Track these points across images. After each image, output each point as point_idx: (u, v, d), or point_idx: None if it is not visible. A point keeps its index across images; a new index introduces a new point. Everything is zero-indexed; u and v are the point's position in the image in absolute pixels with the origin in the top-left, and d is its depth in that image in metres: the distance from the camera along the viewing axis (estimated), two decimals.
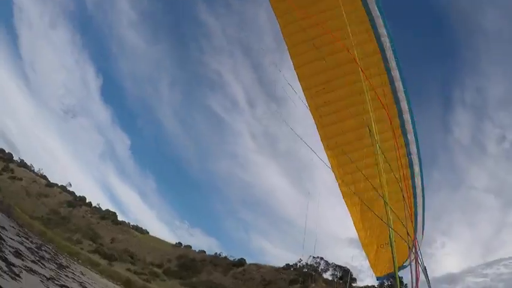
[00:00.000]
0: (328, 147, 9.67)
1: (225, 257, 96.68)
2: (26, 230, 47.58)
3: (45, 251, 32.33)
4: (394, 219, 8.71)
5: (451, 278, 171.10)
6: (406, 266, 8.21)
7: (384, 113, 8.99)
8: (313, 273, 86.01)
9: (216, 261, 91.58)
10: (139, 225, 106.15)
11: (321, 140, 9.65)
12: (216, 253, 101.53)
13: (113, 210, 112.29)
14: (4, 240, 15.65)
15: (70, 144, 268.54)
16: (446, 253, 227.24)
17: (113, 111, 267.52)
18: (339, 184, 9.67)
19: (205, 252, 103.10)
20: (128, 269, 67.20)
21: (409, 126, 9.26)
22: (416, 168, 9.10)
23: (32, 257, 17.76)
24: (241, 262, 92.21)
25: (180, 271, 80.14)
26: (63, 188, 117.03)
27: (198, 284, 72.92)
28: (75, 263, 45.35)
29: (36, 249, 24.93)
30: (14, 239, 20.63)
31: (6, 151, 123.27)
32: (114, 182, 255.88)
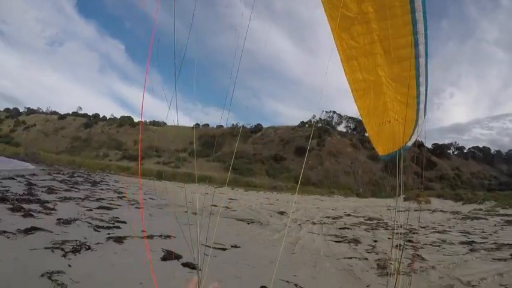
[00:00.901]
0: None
1: (243, 126, 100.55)
2: (56, 166, 51.10)
3: (78, 176, 35.43)
4: (394, 99, 8.21)
5: (459, 128, 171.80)
6: (408, 147, 8.16)
7: None
8: (328, 127, 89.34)
9: (235, 132, 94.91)
10: (156, 120, 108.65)
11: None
12: (233, 124, 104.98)
13: (128, 115, 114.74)
14: (35, 185, 17.84)
15: (67, 72, 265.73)
16: (454, 103, 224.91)
17: (97, 23, 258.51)
18: (341, 60, 8.65)
19: (222, 126, 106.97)
20: (157, 162, 71.10)
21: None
22: (422, 49, 7.34)
23: (65, 187, 19.79)
24: (258, 128, 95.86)
25: (203, 150, 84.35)
26: (76, 114, 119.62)
27: (223, 157, 77.30)
28: (108, 175, 49.27)
29: (68, 179, 27.77)
30: (45, 179, 23.04)
31: (11, 108, 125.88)
32: (121, 89, 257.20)
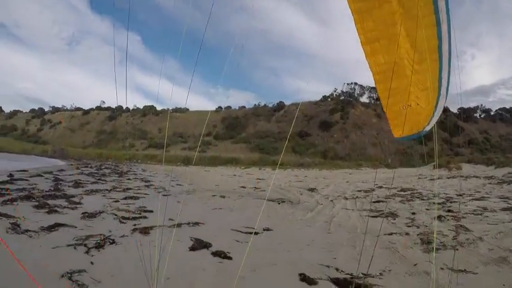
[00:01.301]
0: None
1: (265, 105, 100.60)
2: (85, 160, 51.69)
3: (106, 168, 35.75)
4: (417, 82, 8.37)
5: (483, 90, 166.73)
6: (427, 132, 8.08)
7: None
8: (351, 99, 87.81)
9: (258, 112, 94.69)
10: (179, 107, 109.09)
11: None
12: (255, 104, 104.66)
13: (150, 104, 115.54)
14: (62, 180, 17.68)
15: (87, 68, 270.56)
16: (476, 65, 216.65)
17: (111, 18, 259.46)
18: (361, 42, 8.40)
19: (245, 107, 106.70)
20: (183, 148, 71.34)
21: None
22: (444, 28, 7.68)
23: (92, 180, 19.92)
24: (280, 106, 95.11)
25: (228, 132, 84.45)
26: (99, 108, 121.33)
27: (248, 138, 77.19)
28: (135, 164, 49.65)
29: (96, 172, 27.97)
30: (72, 174, 23.15)
31: (37, 108, 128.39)
32: (141, 79, 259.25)
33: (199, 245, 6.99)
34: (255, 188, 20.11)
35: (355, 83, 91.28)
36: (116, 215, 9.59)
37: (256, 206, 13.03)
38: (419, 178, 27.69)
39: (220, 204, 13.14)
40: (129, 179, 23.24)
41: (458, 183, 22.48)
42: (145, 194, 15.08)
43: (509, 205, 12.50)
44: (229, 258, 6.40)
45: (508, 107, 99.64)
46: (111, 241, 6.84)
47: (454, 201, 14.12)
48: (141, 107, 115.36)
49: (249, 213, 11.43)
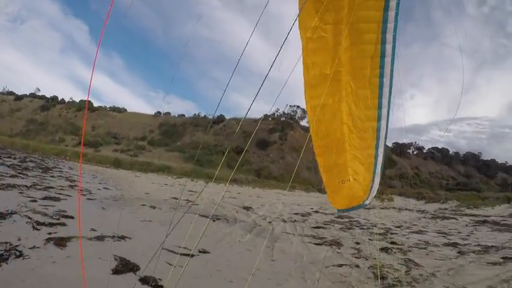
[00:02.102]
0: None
1: (205, 116, 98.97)
2: (9, 150, 47.85)
3: (30, 161, 33.04)
4: (354, 157, 8.56)
5: (418, 129, 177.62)
6: (366, 205, 8.18)
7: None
8: (291, 121, 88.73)
9: (196, 122, 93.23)
10: (117, 106, 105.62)
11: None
12: (195, 114, 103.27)
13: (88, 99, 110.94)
14: None
15: (27, 51, 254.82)
16: (414, 104, 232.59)
17: (62, 1, 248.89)
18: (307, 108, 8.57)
19: (184, 115, 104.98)
20: (115, 150, 68.85)
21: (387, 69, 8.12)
22: (384, 111, 8.29)
23: (12, 172, 18.02)
24: (220, 119, 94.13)
25: (163, 139, 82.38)
26: (33, 96, 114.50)
27: (184, 147, 75.60)
28: (63, 161, 46.64)
29: (18, 164, 25.56)
30: None
31: None
32: (82, 71, 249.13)
33: (125, 266, 5.95)
34: (188, 200, 19.00)
35: (298, 106, 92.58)
36: (30, 218, 8.23)
37: (189, 221, 12.02)
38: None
39: (150, 216, 11.93)
40: (53, 176, 21.23)
41: (392, 214, 22.71)
42: (68, 195, 13.55)
43: (449, 240, 12.54)
44: (160, 287, 5.44)
45: (440, 147, 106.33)
46: (17, 253, 5.62)
47: (394, 233, 14.02)
48: (78, 101, 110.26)
49: (182, 230, 10.44)
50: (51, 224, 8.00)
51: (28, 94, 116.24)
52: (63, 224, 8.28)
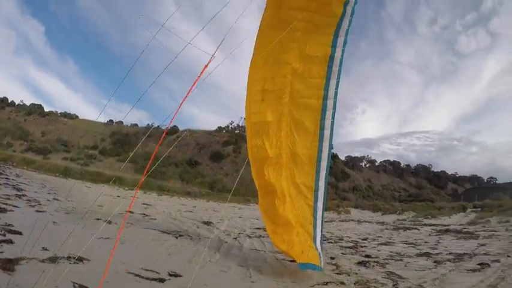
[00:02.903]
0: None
1: (158, 127, 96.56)
2: None
3: None
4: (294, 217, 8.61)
5: (368, 143, 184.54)
6: (320, 268, 7.92)
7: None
8: (245, 134, 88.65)
9: (150, 133, 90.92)
10: (68, 112, 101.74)
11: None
12: (148, 124, 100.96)
13: (38, 103, 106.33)
14: None
15: None
16: (365, 119, 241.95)
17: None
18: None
19: (137, 125, 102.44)
20: (64, 158, 66.02)
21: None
22: (322, 174, 8.70)
23: None
24: (174, 130, 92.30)
25: (115, 148, 79.82)
26: None
27: (135, 157, 73.35)
28: (10, 167, 43.83)
29: None
30: None
31: None
32: (34, 74, 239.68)
33: None
34: (144, 214, 17.80)
35: None
36: None
37: (150, 238, 10.94)
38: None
39: (107, 233, 10.70)
40: None
41: (353, 226, 22.45)
42: (15, 206, 12.16)
43: (420, 250, 12.15)
44: None
45: (391, 159, 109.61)
46: None
47: (364, 246, 13.52)
48: (28, 104, 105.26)
49: (144, 248, 9.38)
50: None
51: None
52: (10, 242, 7.10)
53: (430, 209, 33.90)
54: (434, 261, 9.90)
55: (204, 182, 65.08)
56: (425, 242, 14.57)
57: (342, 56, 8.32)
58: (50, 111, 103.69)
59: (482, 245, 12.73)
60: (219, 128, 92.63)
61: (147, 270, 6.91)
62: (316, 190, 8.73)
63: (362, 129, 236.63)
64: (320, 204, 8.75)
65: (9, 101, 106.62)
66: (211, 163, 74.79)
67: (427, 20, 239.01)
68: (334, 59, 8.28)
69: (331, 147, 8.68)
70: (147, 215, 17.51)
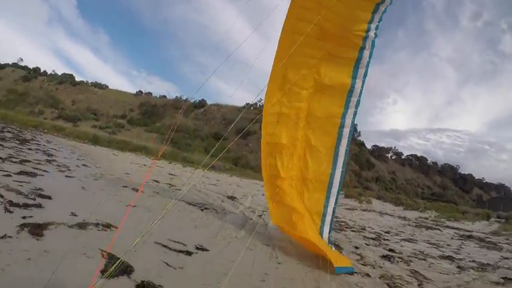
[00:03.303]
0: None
1: (186, 100, 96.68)
2: None
3: (8, 131, 31.19)
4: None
5: (396, 134, 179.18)
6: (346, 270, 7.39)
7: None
8: None
9: (177, 105, 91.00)
10: (98, 82, 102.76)
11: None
12: (176, 97, 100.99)
13: (70, 73, 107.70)
14: None
15: (12, 20, 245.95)
16: (396, 110, 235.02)
17: None
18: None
19: (165, 97, 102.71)
20: (93, 126, 66.91)
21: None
22: (332, 200, 8.69)
23: None
24: (202, 103, 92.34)
25: (143, 119, 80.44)
26: (16, 65, 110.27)
27: (162, 128, 73.73)
28: (41, 134, 44.61)
29: None
30: None
31: None
32: (66, 45, 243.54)
33: (116, 267, 4.79)
34: (170, 184, 17.79)
35: None
36: (2, 196, 6.93)
37: (177, 209, 10.81)
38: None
39: (135, 201, 10.71)
40: (30, 149, 19.65)
41: (375, 217, 22.02)
42: (45, 171, 12.20)
43: (443, 253, 11.65)
44: None
45: (417, 154, 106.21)
46: None
47: (387, 239, 13.12)
48: (59, 74, 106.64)
49: (171, 219, 9.27)
50: (26, 206, 6.73)
51: (11, 64, 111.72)
52: (40, 206, 7.03)
53: (453, 211, 32.88)
54: (458, 267, 9.49)
55: (229, 157, 65.10)
56: (448, 245, 13.99)
57: (362, 87, 8.23)
58: (80, 81, 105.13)
59: (506, 258, 12.03)
60: (247, 104, 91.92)
61: (174, 241, 6.79)
62: (324, 215, 8.70)
63: (391, 119, 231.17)
64: (326, 229, 8.69)
65: (42, 71, 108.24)
66: (237, 139, 74.28)
67: (470, 13, 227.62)
68: (354, 90, 8.20)
69: (344, 173, 8.59)
70: (172, 185, 17.47)
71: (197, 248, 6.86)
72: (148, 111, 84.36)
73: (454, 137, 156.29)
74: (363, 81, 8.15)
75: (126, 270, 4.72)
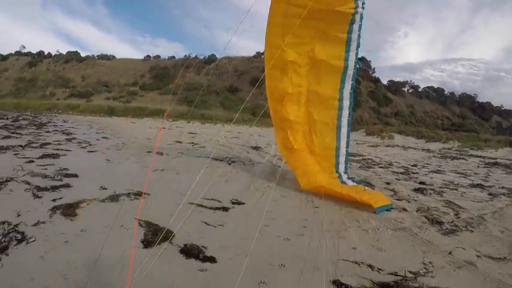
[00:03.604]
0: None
1: (196, 57, 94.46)
2: (1, 111, 45.71)
3: (24, 119, 31.33)
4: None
5: (411, 68, 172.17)
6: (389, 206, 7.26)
7: None
8: None
9: (188, 63, 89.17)
10: (104, 53, 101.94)
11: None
12: (185, 55, 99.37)
13: (74, 50, 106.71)
14: None
15: (7, 10, 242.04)
16: (408, 43, 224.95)
17: None
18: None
19: (174, 57, 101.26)
20: (107, 98, 66.84)
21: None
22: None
23: (5, 133, 16.48)
24: (212, 58, 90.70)
25: (155, 82, 79.71)
26: (19, 53, 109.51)
27: (175, 89, 73.15)
28: (56, 115, 44.84)
29: (11, 124, 23.91)
30: None
31: None
32: (65, 23, 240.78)
33: (155, 234, 4.65)
34: (193, 143, 17.70)
35: None
36: (28, 183, 6.82)
37: (204, 166, 10.69)
38: (357, 143, 26.68)
39: (161, 164, 10.54)
40: (48, 131, 19.69)
41: (400, 152, 21.71)
42: (67, 150, 12.13)
43: (472, 181, 11.37)
44: (212, 259, 4.19)
45: (435, 86, 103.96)
46: (19, 236, 4.27)
47: (415, 172, 12.89)
48: (64, 53, 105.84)
49: (201, 177, 9.14)
50: (53, 188, 6.62)
51: (13, 53, 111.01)
52: (68, 186, 6.92)
53: (475, 140, 31.93)
54: (489, 194, 9.21)
55: (246, 108, 64.57)
56: (475, 174, 13.62)
57: (356, 59, 8.21)
58: (86, 55, 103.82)
59: None
60: (258, 53, 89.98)
61: (208, 199, 6.64)
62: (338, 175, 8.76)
63: (404, 53, 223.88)
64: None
65: (46, 54, 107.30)
66: (252, 89, 73.12)
67: None
68: (349, 65, 8.17)
69: (348, 142, 8.73)
70: (195, 144, 17.38)
71: (233, 203, 6.74)
72: (159, 74, 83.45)
73: (470, 66, 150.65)
74: (356, 54, 8.07)
75: (167, 236, 4.57)
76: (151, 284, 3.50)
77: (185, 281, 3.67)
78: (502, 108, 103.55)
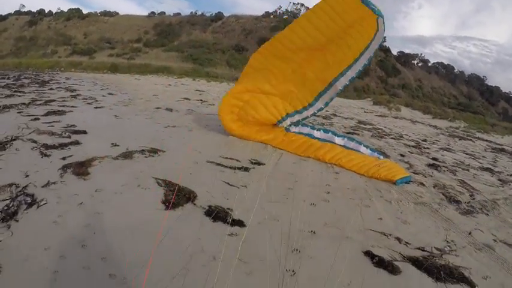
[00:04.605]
0: None
1: (202, 14, 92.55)
2: (1, 71, 45.10)
3: (25, 78, 30.79)
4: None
5: (422, 41, 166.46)
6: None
7: None
8: (294, 20, 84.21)
9: (193, 20, 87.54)
10: (107, 10, 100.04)
11: None
12: (191, 12, 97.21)
13: (76, 7, 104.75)
14: None
15: None
16: (421, 15, 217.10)
17: None
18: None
19: (180, 14, 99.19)
20: (110, 55, 65.94)
21: None
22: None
23: (7, 92, 16.12)
24: (218, 16, 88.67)
25: (159, 39, 78.29)
26: (19, 13, 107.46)
27: (181, 46, 72.02)
28: (58, 73, 44.21)
29: (13, 83, 23.42)
30: None
31: None
32: None
33: (176, 195, 4.28)
34: (201, 100, 17.24)
35: (302, 4, 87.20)
36: (35, 141, 6.38)
37: (216, 123, 10.24)
38: (365, 112, 26.15)
39: (172, 121, 10.14)
40: (51, 88, 19.09)
41: (408, 125, 21.28)
42: (73, 106, 11.67)
43: (481, 164, 11.05)
44: (240, 223, 3.85)
45: (445, 62, 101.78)
46: (28, 200, 3.89)
47: (426, 147, 12.50)
48: (66, 10, 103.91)
49: (214, 135, 8.72)
50: (62, 146, 6.21)
51: (13, 12, 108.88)
52: (77, 143, 6.52)
53: (482, 123, 31.17)
54: (499, 180, 8.84)
55: None
56: (483, 157, 13.18)
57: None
58: (88, 12, 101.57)
59: None
60: (266, 12, 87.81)
61: (226, 158, 6.27)
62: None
63: (416, 25, 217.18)
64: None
65: (47, 12, 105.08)
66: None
67: None
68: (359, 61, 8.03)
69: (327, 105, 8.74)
70: (204, 101, 16.92)
71: (252, 163, 6.36)
72: (164, 31, 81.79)
73: (482, 46, 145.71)
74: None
75: (189, 197, 4.21)
76: (180, 249, 3.16)
77: (216, 246, 3.32)
78: (511, 95, 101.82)
